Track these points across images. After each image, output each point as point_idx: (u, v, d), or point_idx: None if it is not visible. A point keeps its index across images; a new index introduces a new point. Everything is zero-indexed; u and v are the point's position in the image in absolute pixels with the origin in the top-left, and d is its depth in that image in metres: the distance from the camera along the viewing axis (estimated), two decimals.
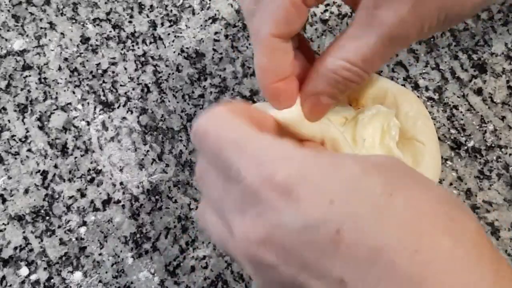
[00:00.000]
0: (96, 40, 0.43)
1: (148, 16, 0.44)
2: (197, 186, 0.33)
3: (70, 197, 0.39)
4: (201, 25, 0.44)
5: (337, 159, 0.24)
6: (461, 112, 0.40)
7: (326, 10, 0.43)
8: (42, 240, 0.38)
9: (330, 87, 0.29)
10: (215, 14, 0.44)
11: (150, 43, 0.43)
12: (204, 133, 0.25)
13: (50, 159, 0.40)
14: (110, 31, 0.44)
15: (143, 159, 0.40)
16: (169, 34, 0.44)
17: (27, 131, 0.41)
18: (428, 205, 0.22)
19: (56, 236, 0.38)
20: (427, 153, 0.34)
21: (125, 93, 0.42)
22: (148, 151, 0.40)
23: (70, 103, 0.42)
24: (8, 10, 0.45)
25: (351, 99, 0.36)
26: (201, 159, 0.27)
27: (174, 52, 0.43)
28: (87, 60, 0.43)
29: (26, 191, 0.39)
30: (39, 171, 0.40)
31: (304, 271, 0.22)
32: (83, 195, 0.39)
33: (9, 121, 0.41)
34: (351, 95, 0.36)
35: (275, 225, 0.23)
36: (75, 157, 0.40)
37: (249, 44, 0.43)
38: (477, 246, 0.21)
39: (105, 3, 0.45)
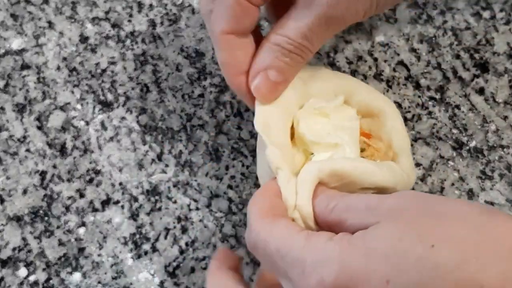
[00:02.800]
0: (95, 39, 0.43)
1: (147, 15, 0.44)
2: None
3: (69, 198, 0.39)
4: (201, 24, 0.44)
5: (366, 236, 0.24)
6: (463, 111, 0.40)
7: None
8: (41, 241, 0.38)
9: (276, 60, 0.31)
10: None
11: (150, 42, 0.43)
12: (255, 247, 0.28)
13: (49, 159, 0.40)
14: (109, 30, 0.44)
15: (142, 159, 0.40)
16: (168, 33, 0.43)
17: (26, 131, 0.41)
18: (471, 235, 0.22)
19: (55, 236, 0.38)
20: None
21: (124, 92, 0.42)
22: (147, 151, 0.40)
23: (69, 103, 0.41)
24: (7, 9, 0.44)
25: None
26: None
27: (173, 51, 0.43)
28: (86, 60, 0.43)
29: (25, 192, 0.39)
30: (37, 171, 0.40)
31: None
32: (82, 196, 0.39)
33: (7, 121, 0.41)
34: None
35: None
36: (74, 157, 0.40)
37: None
38: None
39: (104, 2, 0.44)
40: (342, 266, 0.23)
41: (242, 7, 0.31)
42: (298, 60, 0.31)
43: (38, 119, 0.41)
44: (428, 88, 0.41)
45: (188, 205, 0.38)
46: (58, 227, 0.38)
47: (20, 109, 0.41)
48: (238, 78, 0.32)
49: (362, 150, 0.33)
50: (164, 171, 0.39)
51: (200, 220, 0.38)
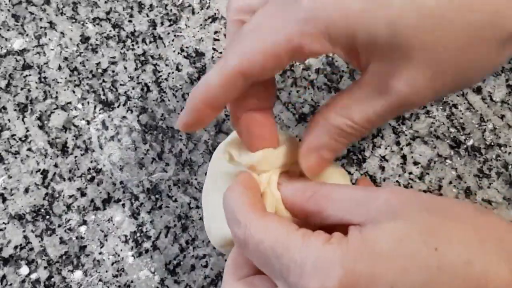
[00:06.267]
0: (96, 39, 0.44)
1: (148, 16, 0.44)
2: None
3: (70, 196, 0.39)
4: (201, 24, 0.44)
5: (365, 237, 0.23)
6: (461, 111, 0.40)
7: None
8: (42, 239, 0.38)
9: (333, 141, 0.28)
10: (215, 13, 0.44)
11: (150, 42, 0.43)
12: (245, 243, 0.26)
13: (50, 158, 0.40)
14: (110, 31, 0.44)
15: (143, 158, 0.40)
16: (169, 33, 0.44)
17: (27, 131, 0.41)
18: (471, 236, 0.23)
19: (56, 235, 0.38)
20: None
21: (125, 92, 0.42)
22: (148, 150, 0.40)
23: (70, 102, 0.42)
24: (8, 10, 0.45)
25: None
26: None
27: (174, 51, 0.43)
28: (87, 60, 0.43)
29: (26, 190, 0.39)
30: (39, 170, 0.40)
31: None
32: (83, 194, 0.39)
33: (9, 120, 0.41)
34: None
35: None
36: (75, 156, 0.40)
37: None
38: None
39: (105, 2, 0.45)
40: (345, 270, 0.23)
41: (275, 59, 0.26)
42: (353, 140, 0.29)
43: (39, 118, 0.41)
44: None
45: (188, 204, 0.39)
46: (59, 226, 0.38)
47: (22, 108, 0.42)
48: (201, 107, 0.28)
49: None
50: (164, 170, 0.40)
51: (200, 219, 0.38)
